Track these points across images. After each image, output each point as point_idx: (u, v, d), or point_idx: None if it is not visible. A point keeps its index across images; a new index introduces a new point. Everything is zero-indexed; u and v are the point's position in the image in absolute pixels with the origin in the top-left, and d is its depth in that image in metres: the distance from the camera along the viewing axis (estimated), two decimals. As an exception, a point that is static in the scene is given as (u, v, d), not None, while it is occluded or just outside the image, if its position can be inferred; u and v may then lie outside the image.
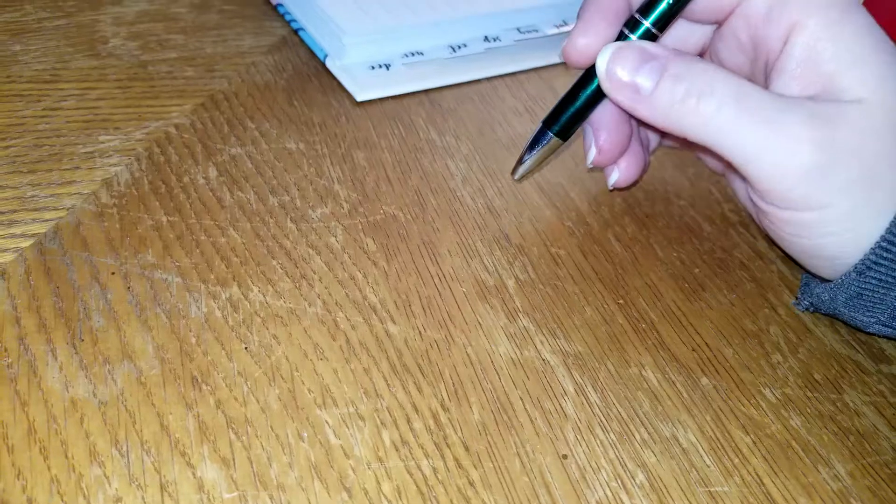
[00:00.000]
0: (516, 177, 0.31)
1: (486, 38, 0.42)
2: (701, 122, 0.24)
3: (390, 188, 0.32)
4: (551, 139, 0.29)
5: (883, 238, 0.23)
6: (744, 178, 0.25)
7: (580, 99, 0.28)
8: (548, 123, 0.29)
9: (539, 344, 0.26)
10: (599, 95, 0.27)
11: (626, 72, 0.25)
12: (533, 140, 0.29)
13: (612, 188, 0.31)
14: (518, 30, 0.43)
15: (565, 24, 0.44)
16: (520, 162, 0.30)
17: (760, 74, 0.26)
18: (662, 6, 0.25)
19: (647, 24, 0.25)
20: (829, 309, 0.26)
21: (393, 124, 0.36)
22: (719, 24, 0.27)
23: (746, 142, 0.23)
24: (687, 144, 0.33)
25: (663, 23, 0.26)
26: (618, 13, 0.27)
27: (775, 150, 0.23)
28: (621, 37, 0.26)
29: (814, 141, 0.23)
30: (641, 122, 0.31)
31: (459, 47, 0.41)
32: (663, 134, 0.33)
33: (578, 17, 0.27)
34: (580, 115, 0.28)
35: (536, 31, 0.43)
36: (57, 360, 0.24)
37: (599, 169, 0.32)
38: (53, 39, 0.39)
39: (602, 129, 0.29)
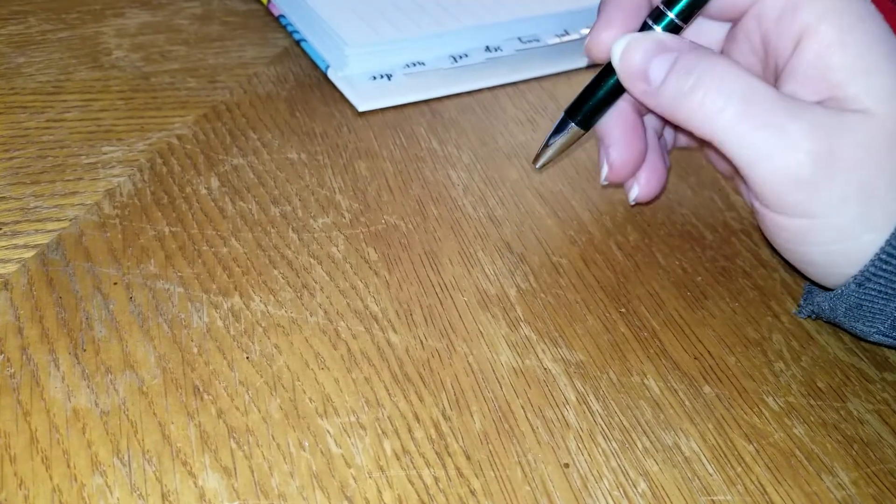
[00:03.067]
0: (538, 165, 0.30)
1: (487, 48, 0.42)
2: (705, 117, 0.24)
3: (392, 198, 0.32)
4: (572, 128, 0.29)
5: (882, 250, 0.23)
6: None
7: (601, 90, 0.28)
8: (570, 113, 0.29)
9: (541, 353, 0.26)
10: (621, 87, 0.27)
11: (638, 62, 0.25)
12: (555, 129, 0.29)
13: (633, 203, 0.30)
14: (519, 39, 0.43)
15: (566, 33, 0.44)
16: (542, 150, 0.30)
17: (771, 77, 0.26)
18: None
19: (671, 14, 0.25)
20: (829, 318, 0.26)
21: (394, 134, 0.36)
22: (734, 22, 0.27)
23: (747, 143, 0.23)
24: (700, 144, 0.32)
25: (687, 13, 0.25)
26: (639, 6, 0.27)
27: (774, 156, 0.23)
28: (645, 28, 0.26)
29: (813, 152, 0.22)
30: (669, 123, 0.31)
31: (461, 57, 0.41)
32: (676, 128, 0.32)
33: (599, 12, 0.27)
34: (601, 105, 0.28)
35: (538, 40, 0.43)
36: (59, 370, 0.24)
37: (618, 185, 0.31)
38: (57, 51, 0.39)
39: (613, 145, 0.29)
